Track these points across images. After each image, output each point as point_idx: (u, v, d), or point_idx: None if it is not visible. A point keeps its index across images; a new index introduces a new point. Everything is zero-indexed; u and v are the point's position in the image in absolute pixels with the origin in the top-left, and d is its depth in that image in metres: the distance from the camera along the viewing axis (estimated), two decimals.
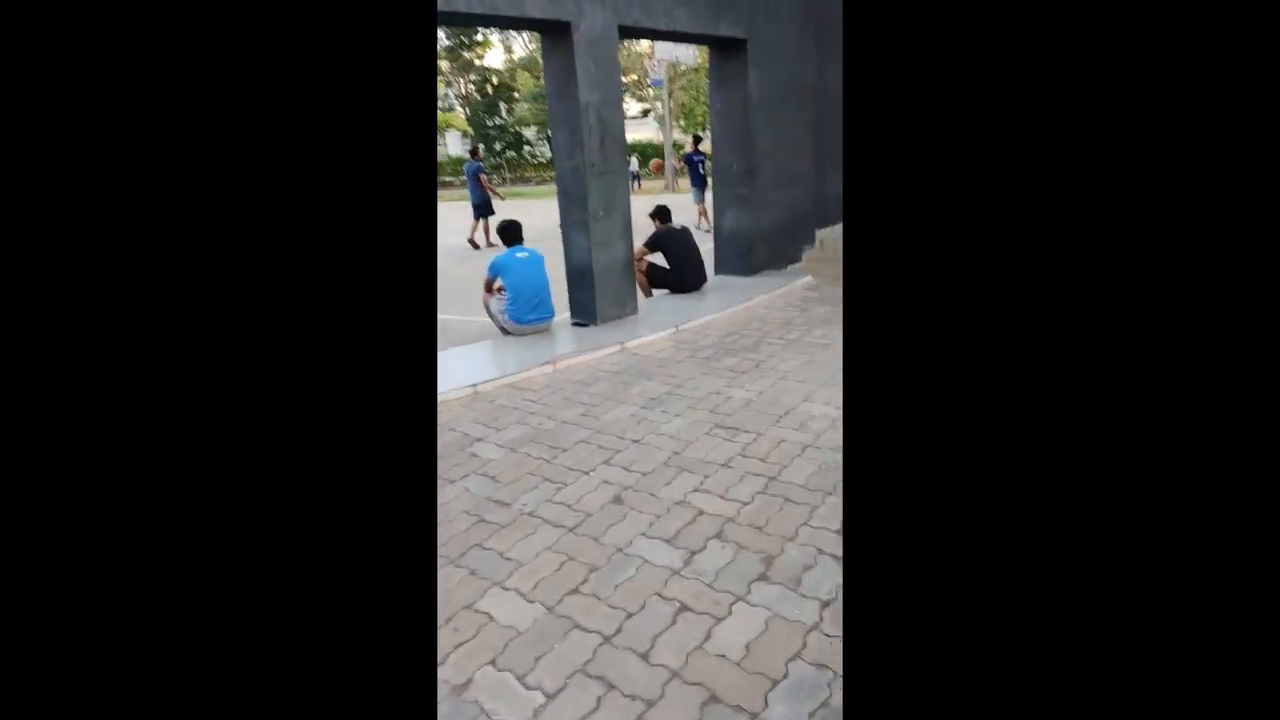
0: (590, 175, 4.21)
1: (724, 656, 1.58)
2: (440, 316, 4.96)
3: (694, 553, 2.01)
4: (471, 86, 28.25)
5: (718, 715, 1.42)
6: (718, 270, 5.87)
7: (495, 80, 28.05)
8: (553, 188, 5.10)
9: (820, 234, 6.31)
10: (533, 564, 2.01)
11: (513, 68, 29.02)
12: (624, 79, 21.10)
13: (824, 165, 6.30)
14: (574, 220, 4.39)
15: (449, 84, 28.26)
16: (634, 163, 21.12)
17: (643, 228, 5.22)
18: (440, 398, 3.38)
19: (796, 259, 6.14)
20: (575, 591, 1.87)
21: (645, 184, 20.20)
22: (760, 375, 3.48)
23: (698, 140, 11.04)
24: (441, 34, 23.28)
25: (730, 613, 1.73)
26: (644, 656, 1.60)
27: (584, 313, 4.57)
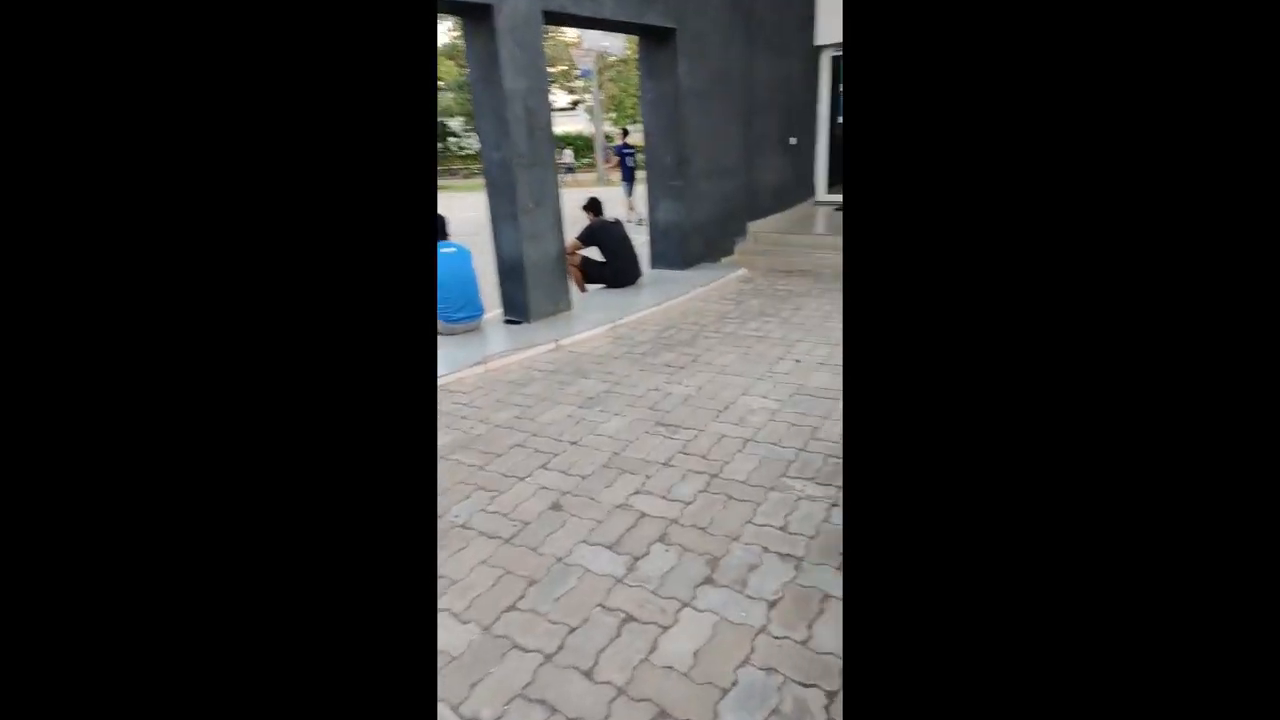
0: (518, 167, 4.06)
1: (671, 668, 1.52)
2: None
3: (637, 558, 1.94)
4: None
5: None
6: (653, 264, 5.82)
7: None
8: (480, 180, 4.90)
9: (752, 226, 6.37)
10: (467, 580, 1.89)
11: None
12: (551, 69, 20.79)
13: (754, 157, 6.35)
14: (503, 213, 4.23)
15: None
16: (568, 154, 20.83)
17: (575, 221, 5.10)
18: None
19: (729, 251, 6.16)
20: (513, 608, 1.76)
21: (576, 176, 19.97)
22: (698, 370, 3.45)
23: (626, 133, 10.96)
24: None
25: (676, 620, 1.67)
26: (588, 674, 1.52)
27: (516, 309, 4.42)
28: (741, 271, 5.63)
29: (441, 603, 1.80)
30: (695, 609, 1.71)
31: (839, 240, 5.87)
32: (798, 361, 3.46)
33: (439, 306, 4.15)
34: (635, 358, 3.71)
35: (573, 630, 1.66)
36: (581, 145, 22.90)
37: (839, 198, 7.71)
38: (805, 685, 1.45)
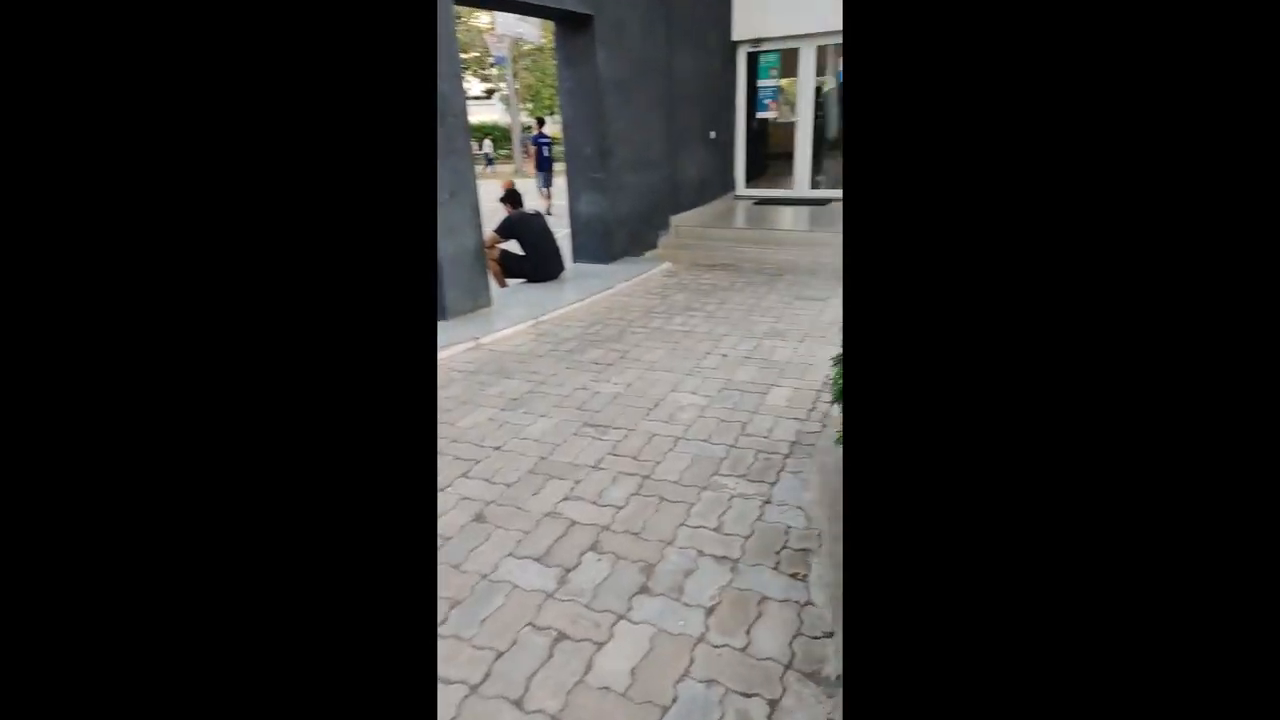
0: None
1: (608, 689, 1.43)
2: None
3: (568, 570, 1.84)
4: None
5: None
6: (575, 257, 5.69)
7: None
8: None
9: (674, 220, 6.35)
10: None
11: None
12: (464, 55, 20.06)
13: (677, 150, 6.33)
14: None
15: None
16: (488, 145, 20.17)
17: (493, 214, 4.89)
18: None
19: (653, 245, 6.12)
20: None
21: (495, 168, 19.39)
22: (626, 367, 3.37)
23: (542, 123, 10.73)
24: None
25: (611, 635, 1.59)
26: (518, 704, 1.41)
27: None
28: (666, 265, 5.60)
29: None
30: (631, 621, 1.63)
31: (760, 234, 5.95)
32: (724, 356, 3.45)
33: None
34: (560, 355, 3.59)
35: (500, 655, 1.54)
36: (499, 136, 22.26)
37: (757, 192, 7.84)
38: (747, 695, 1.40)
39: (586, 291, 4.72)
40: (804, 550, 1.88)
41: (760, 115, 7.80)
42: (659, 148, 6.00)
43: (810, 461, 2.35)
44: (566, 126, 5.39)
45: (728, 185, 7.74)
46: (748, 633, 1.58)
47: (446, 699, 1.43)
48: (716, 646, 1.54)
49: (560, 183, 8.64)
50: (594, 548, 1.93)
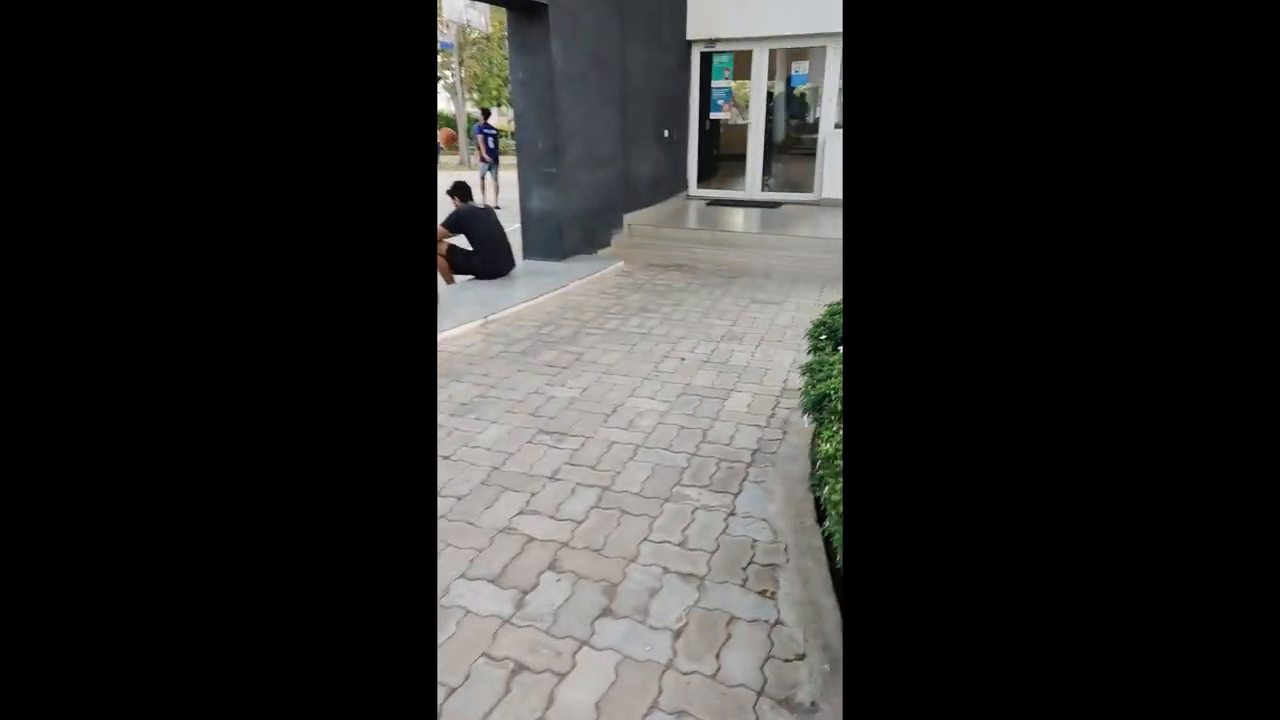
0: None
1: None
2: None
3: (525, 592, 1.72)
4: None
5: None
6: (526, 254, 5.52)
7: None
8: None
9: (628, 218, 6.27)
10: None
11: None
12: None
13: (631, 148, 6.23)
14: None
15: None
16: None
17: (441, 206, 4.67)
18: None
19: (606, 243, 6.02)
20: None
21: (440, 159, 18.80)
22: (582, 370, 3.26)
23: (487, 114, 10.43)
24: None
25: (574, 664, 1.49)
26: None
27: None
28: (619, 264, 5.51)
29: None
30: (594, 648, 1.53)
31: (714, 235, 5.93)
32: (682, 360, 3.39)
33: None
34: (513, 357, 3.45)
35: (453, 691, 1.42)
36: (444, 124, 21.61)
37: (709, 192, 7.85)
38: None
39: (538, 290, 4.57)
40: (771, 565, 1.82)
41: (713, 116, 7.80)
42: (612, 144, 5.89)
43: (773, 471, 2.30)
44: (518, 118, 5.21)
45: (680, 185, 7.71)
46: (717, 657, 1.51)
47: None
48: (685, 673, 1.46)
49: (508, 176, 8.41)
50: (553, 566, 1.82)
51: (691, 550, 1.89)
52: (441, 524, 2.02)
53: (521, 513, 2.08)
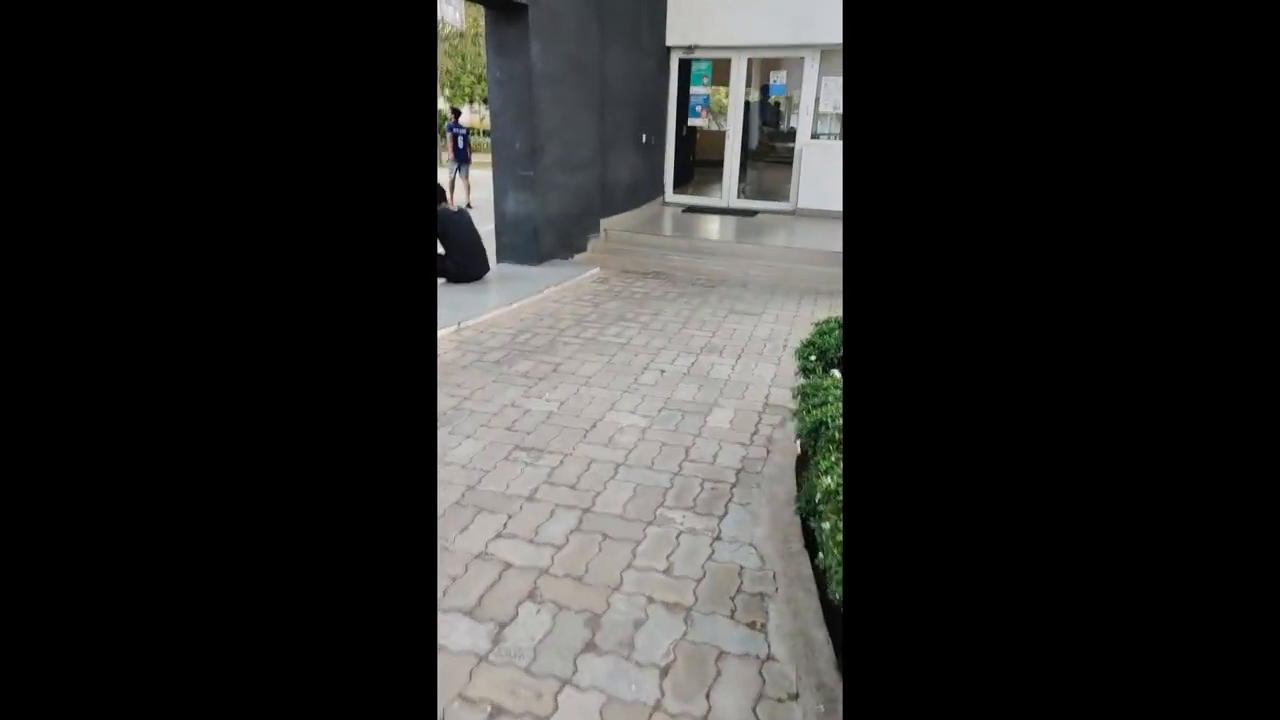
0: None
1: None
2: None
3: (503, 625, 1.63)
4: None
5: None
6: (500, 258, 5.39)
7: None
8: None
9: (605, 224, 6.19)
10: None
11: None
12: None
13: (609, 152, 6.16)
14: None
15: None
16: None
17: None
18: None
19: (583, 248, 5.93)
20: None
21: None
22: (560, 381, 3.16)
23: (457, 113, 10.24)
24: None
25: (556, 706, 1.40)
26: None
27: None
28: (596, 270, 5.42)
29: None
30: (577, 687, 1.45)
31: (692, 242, 5.89)
32: (663, 372, 3.32)
33: None
34: (487, 367, 3.33)
35: None
36: None
37: (685, 199, 7.81)
38: None
39: (513, 296, 4.46)
40: (760, 595, 1.76)
41: (691, 122, 7.77)
42: (590, 148, 5.81)
43: (758, 493, 2.25)
44: (495, 118, 5.09)
45: (657, 190, 7.66)
46: (707, 697, 1.44)
47: None
48: (674, 715, 1.39)
49: (480, 175, 8.24)
50: (532, 596, 1.73)
51: (677, 578, 1.82)
52: None
53: (499, 536, 1.98)
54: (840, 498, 1.24)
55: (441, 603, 1.70)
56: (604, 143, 6.03)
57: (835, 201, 6.94)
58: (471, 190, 9.82)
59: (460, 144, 9.69)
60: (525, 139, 5.01)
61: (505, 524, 2.04)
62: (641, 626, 1.64)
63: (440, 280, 4.76)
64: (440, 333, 3.71)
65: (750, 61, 7.18)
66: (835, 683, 1.45)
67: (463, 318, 3.94)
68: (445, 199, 4.79)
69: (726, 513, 2.13)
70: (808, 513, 1.93)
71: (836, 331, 2.13)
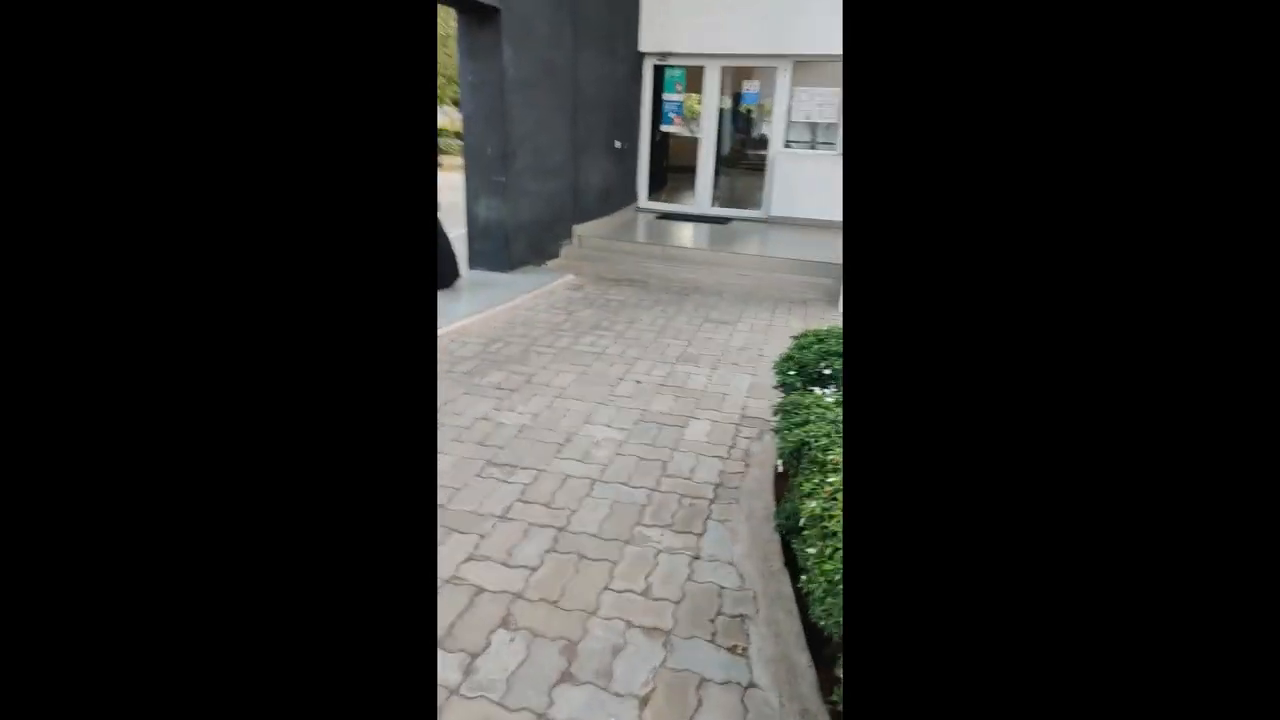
0: None
1: None
2: None
3: (474, 656, 1.56)
4: None
5: None
6: (471, 264, 5.29)
7: None
8: None
9: (578, 230, 6.12)
10: None
11: None
12: None
13: (581, 158, 6.10)
14: None
15: None
16: None
17: None
18: None
19: (555, 254, 5.86)
20: None
21: None
22: (533, 393, 3.09)
23: None
24: None
25: None
26: None
27: None
28: (569, 277, 5.35)
29: None
30: None
31: (665, 250, 5.87)
32: (638, 383, 3.27)
33: None
34: (457, 378, 3.24)
35: None
36: None
37: (659, 205, 7.80)
38: None
39: (485, 303, 4.37)
40: (741, 617, 1.73)
41: (665, 129, 7.77)
42: (563, 153, 5.75)
43: (737, 509, 2.21)
44: (467, 123, 4.99)
45: (630, 197, 7.63)
46: None
47: None
48: None
49: (446, 178, 8.10)
50: (505, 623, 1.66)
51: (656, 600, 1.77)
52: None
53: (470, 558, 1.90)
54: (825, 524, 1.21)
55: None
56: (577, 148, 5.97)
57: (807, 210, 7.00)
58: (439, 192, 9.64)
59: None
60: (497, 144, 4.93)
61: (477, 545, 1.97)
62: (620, 653, 1.58)
63: None
64: None
65: (724, 69, 7.21)
66: (819, 709, 1.42)
67: None
68: None
69: (705, 530, 2.09)
70: (787, 530, 1.90)
71: (816, 345, 2.11)
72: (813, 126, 7.07)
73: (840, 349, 2.05)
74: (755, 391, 3.20)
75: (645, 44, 7.09)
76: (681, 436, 2.73)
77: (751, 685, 1.51)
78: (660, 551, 1.98)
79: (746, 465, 2.51)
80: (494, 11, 4.56)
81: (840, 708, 1.19)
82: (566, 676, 1.51)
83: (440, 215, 6.03)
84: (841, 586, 1.09)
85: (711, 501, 2.26)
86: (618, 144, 6.93)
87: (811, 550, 1.25)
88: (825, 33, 6.37)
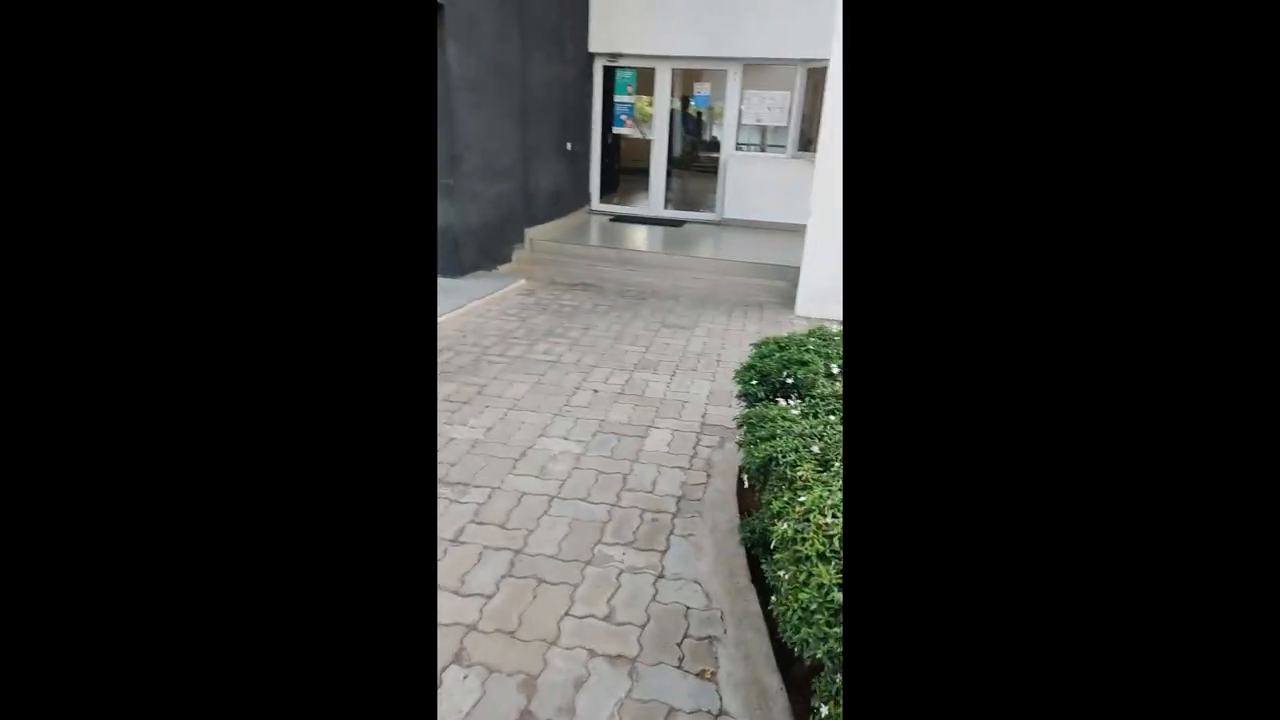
0: None
1: None
2: None
3: None
4: None
5: None
6: None
7: None
8: None
9: (530, 233, 5.99)
10: None
11: None
12: None
13: (532, 160, 5.97)
14: None
15: None
16: None
17: None
18: None
19: (507, 259, 5.71)
20: None
21: None
22: (485, 405, 2.97)
23: None
24: None
25: None
26: None
27: None
28: (521, 282, 5.22)
29: None
30: None
31: (620, 253, 5.79)
32: (596, 392, 3.18)
33: None
34: None
35: None
36: None
37: (612, 208, 7.72)
38: None
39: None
40: (708, 638, 1.66)
41: (616, 130, 7.69)
42: (512, 155, 5.60)
43: (700, 522, 2.15)
44: None
45: (582, 200, 7.53)
46: None
47: None
48: None
49: None
50: (458, 659, 1.55)
51: (619, 625, 1.69)
52: None
53: None
54: (798, 547, 1.15)
55: None
56: (527, 150, 5.84)
57: (760, 212, 7.04)
58: None
59: None
60: (444, 146, 4.75)
61: None
62: (583, 686, 1.50)
63: None
64: None
65: (674, 71, 7.19)
66: None
67: None
68: None
69: (669, 547, 2.02)
70: (754, 543, 1.85)
71: (778, 354, 2.07)
72: (762, 129, 7.12)
73: (802, 358, 2.01)
74: (715, 398, 3.15)
75: (595, 45, 7.01)
76: (641, 447, 2.65)
77: (722, 713, 1.44)
78: (622, 571, 1.90)
79: (709, 475, 2.45)
80: (437, 6, 4.40)
81: None
82: (526, 716, 1.41)
83: None
84: (818, 616, 1.04)
85: (674, 515, 2.19)
86: (569, 146, 6.83)
87: (783, 574, 1.19)
88: (774, 37, 6.42)
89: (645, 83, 7.31)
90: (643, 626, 1.69)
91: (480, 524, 2.09)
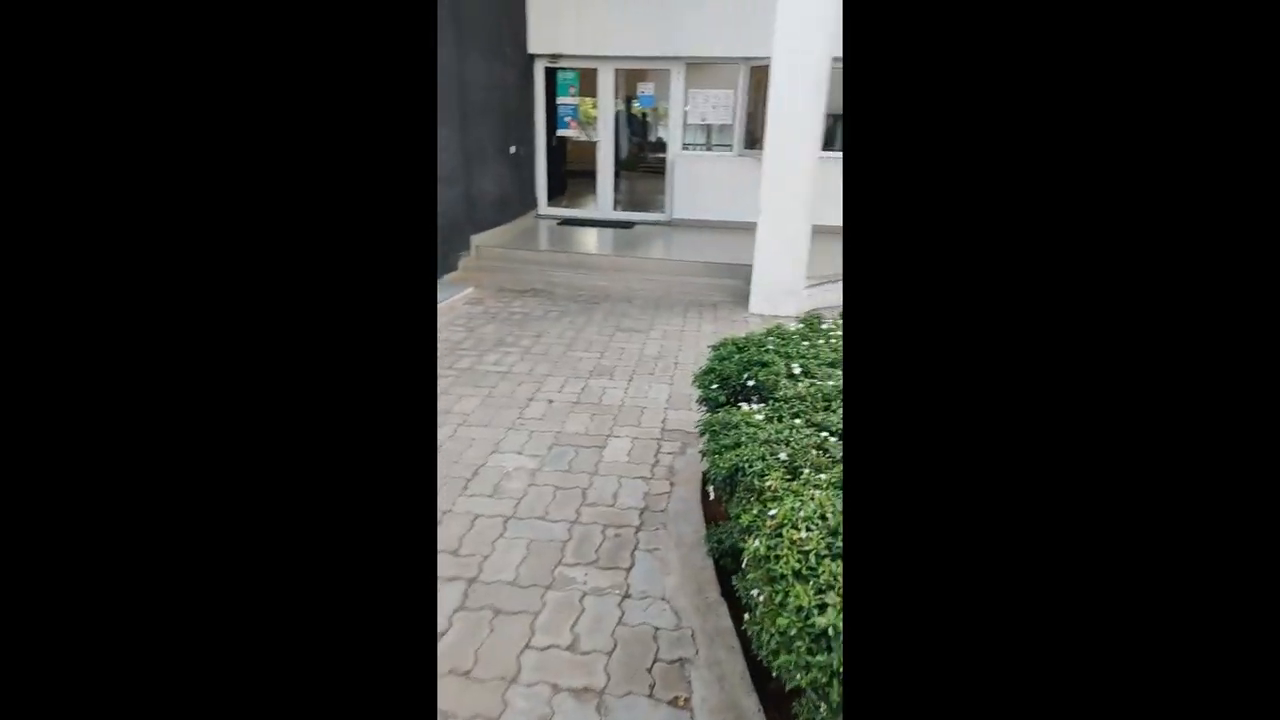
0: None
1: None
2: None
3: None
4: None
5: None
6: None
7: None
8: None
9: (475, 240, 5.80)
10: None
11: None
12: None
13: (473, 165, 5.78)
14: None
15: None
16: None
17: None
18: None
19: (453, 267, 5.51)
20: None
21: None
22: None
23: None
24: None
25: None
26: None
27: None
28: (469, 290, 5.04)
29: None
30: None
31: (570, 257, 5.67)
32: (550, 402, 3.06)
33: None
34: None
35: None
36: None
37: (560, 211, 7.59)
38: None
39: None
40: (680, 661, 1.57)
41: (560, 133, 7.56)
42: (452, 160, 5.41)
43: (665, 534, 2.06)
44: None
45: (529, 204, 7.36)
46: None
47: None
48: None
49: None
50: None
51: (584, 654, 1.58)
52: None
53: None
54: (771, 566, 1.07)
55: None
56: (468, 154, 5.65)
57: (709, 212, 7.02)
58: None
59: None
60: None
61: None
62: None
63: None
64: None
65: (617, 71, 7.10)
66: None
67: None
68: None
69: (634, 563, 1.92)
70: (721, 554, 1.77)
71: (737, 356, 1.99)
72: (708, 128, 7.11)
73: (762, 359, 1.94)
74: (675, 401, 3.07)
75: (534, 45, 6.86)
76: (601, 458, 2.54)
77: None
78: (586, 594, 1.79)
79: (672, 484, 2.36)
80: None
81: None
82: None
83: None
84: (798, 644, 0.96)
85: (638, 529, 2.09)
86: (513, 149, 6.66)
87: (757, 594, 1.11)
88: (715, 35, 6.41)
89: (588, 84, 7.20)
90: (609, 654, 1.58)
91: None
